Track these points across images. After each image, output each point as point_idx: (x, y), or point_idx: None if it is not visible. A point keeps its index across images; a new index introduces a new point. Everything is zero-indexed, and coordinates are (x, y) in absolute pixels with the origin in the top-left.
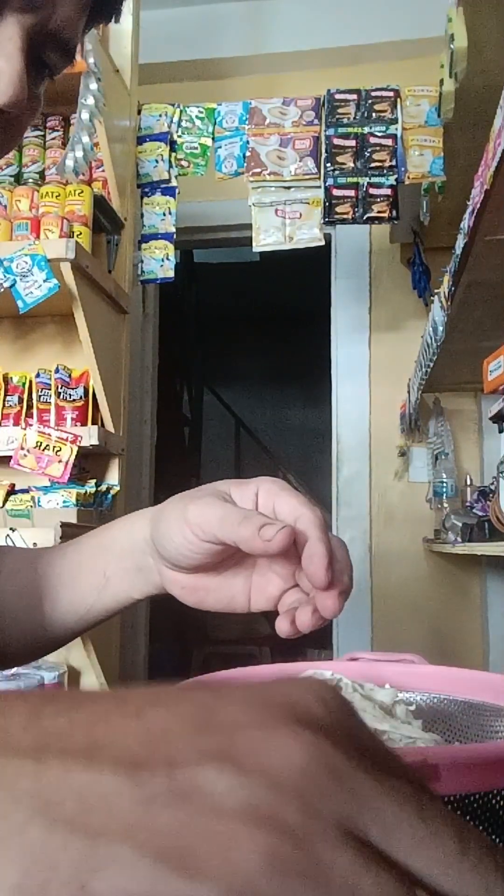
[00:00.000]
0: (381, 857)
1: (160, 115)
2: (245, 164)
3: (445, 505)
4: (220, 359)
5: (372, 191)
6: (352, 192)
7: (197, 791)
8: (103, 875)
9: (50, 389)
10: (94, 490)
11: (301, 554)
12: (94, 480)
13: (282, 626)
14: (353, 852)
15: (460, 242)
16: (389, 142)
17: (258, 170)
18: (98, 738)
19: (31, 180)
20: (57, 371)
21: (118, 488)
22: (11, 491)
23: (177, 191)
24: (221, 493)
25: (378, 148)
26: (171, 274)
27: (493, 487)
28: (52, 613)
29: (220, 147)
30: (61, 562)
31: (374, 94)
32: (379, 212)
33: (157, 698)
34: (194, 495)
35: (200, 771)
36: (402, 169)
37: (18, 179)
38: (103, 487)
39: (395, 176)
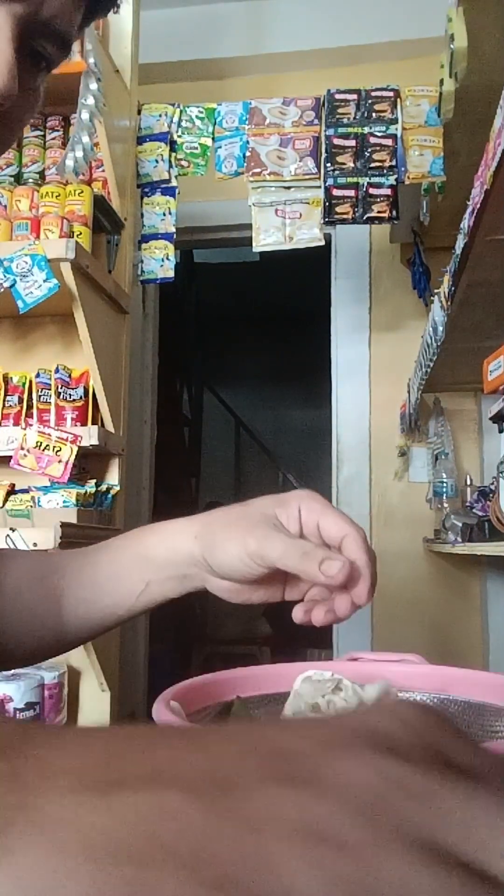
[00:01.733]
0: (448, 859)
1: (160, 115)
2: (245, 164)
3: (445, 505)
4: (220, 359)
5: (372, 191)
6: (352, 192)
7: (255, 814)
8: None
9: (50, 389)
10: (94, 490)
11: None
12: (94, 480)
13: (297, 614)
14: (437, 868)
15: (460, 242)
16: (389, 142)
17: (258, 170)
18: (162, 768)
19: (31, 180)
20: (57, 371)
21: (118, 488)
22: (11, 491)
23: (177, 191)
24: (270, 518)
25: (378, 148)
26: (171, 274)
27: (493, 487)
28: (83, 615)
29: (220, 147)
30: (93, 568)
31: (374, 94)
32: (379, 212)
33: (224, 734)
34: (246, 524)
35: (261, 794)
36: (402, 169)
37: (18, 179)
38: (103, 487)
39: (395, 176)
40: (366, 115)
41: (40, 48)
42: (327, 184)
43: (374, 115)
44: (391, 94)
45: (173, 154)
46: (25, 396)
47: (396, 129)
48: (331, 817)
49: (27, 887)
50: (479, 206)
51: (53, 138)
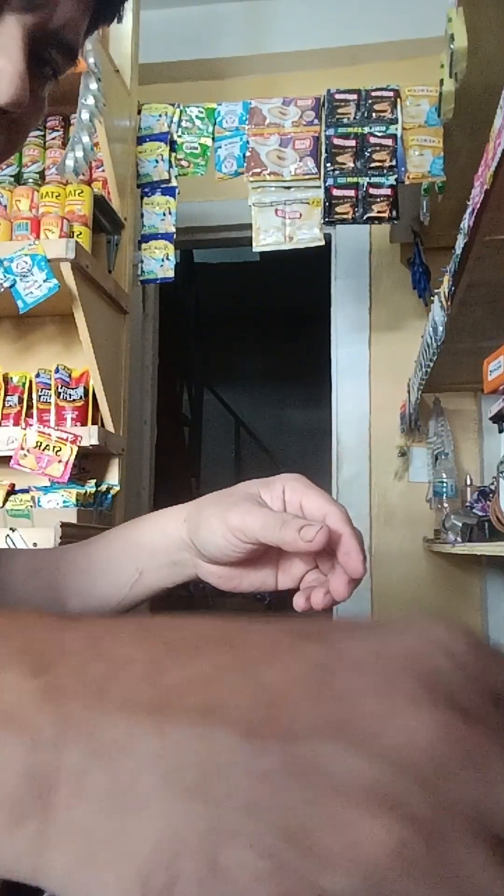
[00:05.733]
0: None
1: (160, 115)
2: (245, 164)
3: (445, 505)
4: (220, 359)
5: (372, 191)
6: (352, 192)
7: (316, 768)
8: (231, 848)
9: (50, 389)
10: (94, 490)
11: (334, 547)
12: (94, 480)
13: (298, 602)
14: (489, 852)
15: (460, 242)
16: (389, 142)
17: (258, 170)
18: (215, 698)
19: (31, 180)
20: (57, 371)
21: (118, 488)
22: (11, 491)
23: (177, 191)
24: (253, 497)
25: (378, 148)
26: (171, 274)
27: (493, 487)
28: (79, 607)
29: (220, 147)
30: (87, 559)
31: (374, 94)
32: (379, 212)
33: (273, 652)
34: (229, 501)
35: (319, 746)
36: (402, 169)
37: (18, 179)
38: (103, 487)
39: (395, 176)
40: (366, 115)
41: (48, 56)
42: (327, 184)
43: (374, 115)
44: (391, 94)
45: (173, 154)
46: (25, 396)
47: (396, 129)
48: (395, 784)
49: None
50: (479, 206)
51: (53, 138)
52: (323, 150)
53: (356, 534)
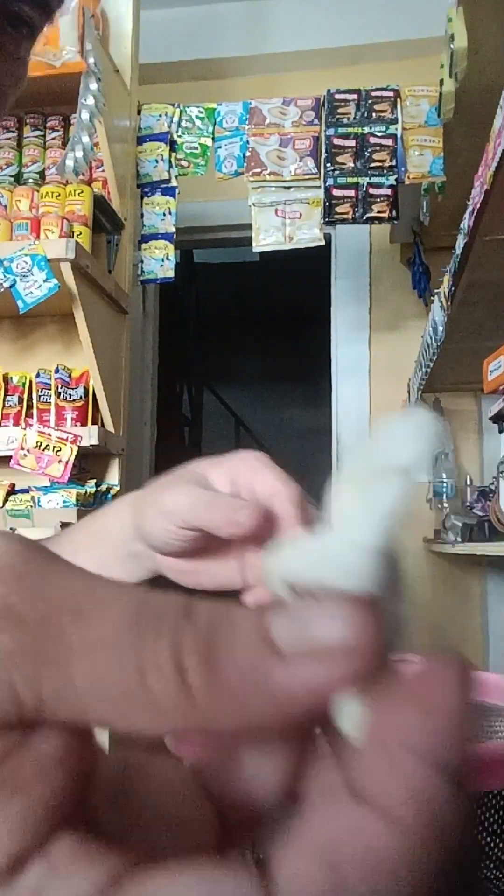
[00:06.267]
0: None
1: (160, 115)
2: (245, 164)
3: (445, 505)
4: (220, 359)
5: (372, 191)
6: (352, 192)
7: None
8: None
9: (50, 389)
10: (94, 490)
11: (279, 533)
12: (94, 480)
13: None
14: None
15: (460, 242)
16: (389, 142)
17: (258, 170)
18: None
19: (31, 180)
20: (57, 371)
21: (118, 488)
22: (11, 491)
23: (177, 191)
24: (198, 477)
25: (378, 148)
26: (171, 274)
27: (493, 487)
28: None
29: (220, 147)
30: (58, 550)
31: (374, 94)
32: (379, 212)
33: None
34: (171, 481)
35: None
36: (402, 169)
37: (18, 179)
38: (103, 487)
39: (395, 176)
40: (366, 115)
41: (17, 9)
42: (327, 184)
43: (374, 115)
44: (391, 94)
45: (173, 154)
46: (25, 396)
47: (396, 129)
48: None
49: None
50: (479, 206)
51: (53, 138)
52: (323, 150)
53: (302, 516)
